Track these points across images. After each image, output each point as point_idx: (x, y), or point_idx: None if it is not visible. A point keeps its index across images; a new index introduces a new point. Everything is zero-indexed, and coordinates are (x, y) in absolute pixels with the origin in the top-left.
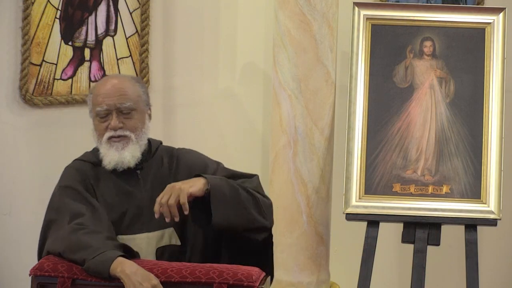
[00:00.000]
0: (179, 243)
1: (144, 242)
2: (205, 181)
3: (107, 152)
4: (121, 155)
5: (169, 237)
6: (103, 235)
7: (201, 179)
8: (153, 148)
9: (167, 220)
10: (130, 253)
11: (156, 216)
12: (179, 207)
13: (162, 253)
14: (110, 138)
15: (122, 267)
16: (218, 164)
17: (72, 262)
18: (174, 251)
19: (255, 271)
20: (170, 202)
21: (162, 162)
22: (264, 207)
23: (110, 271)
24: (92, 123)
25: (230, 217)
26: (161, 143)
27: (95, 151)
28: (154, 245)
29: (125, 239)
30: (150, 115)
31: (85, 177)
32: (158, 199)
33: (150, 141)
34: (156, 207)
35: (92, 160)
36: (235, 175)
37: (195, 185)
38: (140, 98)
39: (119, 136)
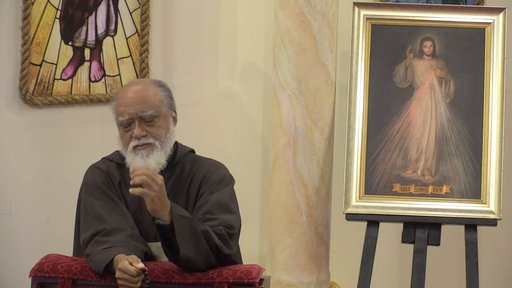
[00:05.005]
0: None
1: (160, 250)
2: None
3: (133, 161)
4: (147, 163)
5: None
6: (125, 233)
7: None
8: (177, 156)
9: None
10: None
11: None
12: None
13: None
14: (135, 147)
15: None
16: (231, 182)
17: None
18: None
19: (254, 268)
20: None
21: (183, 170)
22: (225, 246)
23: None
24: (118, 131)
25: (190, 252)
26: (192, 151)
27: (121, 152)
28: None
29: None
30: (175, 118)
31: (108, 176)
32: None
33: (177, 146)
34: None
35: (117, 160)
36: (220, 202)
37: (165, 208)
38: (162, 103)
39: (143, 144)
